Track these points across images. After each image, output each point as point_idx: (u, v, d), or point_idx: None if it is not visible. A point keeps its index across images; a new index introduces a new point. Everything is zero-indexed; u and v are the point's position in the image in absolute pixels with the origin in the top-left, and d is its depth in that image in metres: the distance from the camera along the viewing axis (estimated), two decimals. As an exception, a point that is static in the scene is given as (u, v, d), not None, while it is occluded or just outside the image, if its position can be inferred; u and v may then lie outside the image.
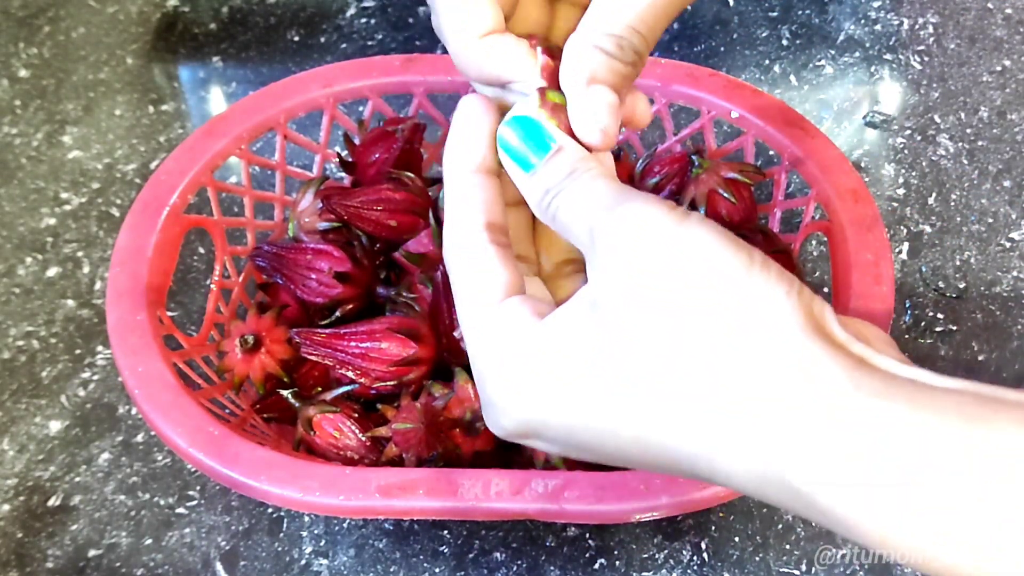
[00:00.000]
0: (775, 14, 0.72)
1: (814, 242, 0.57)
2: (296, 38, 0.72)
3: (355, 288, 0.47)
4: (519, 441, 0.28)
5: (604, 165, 0.30)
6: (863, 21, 0.71)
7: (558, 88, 0.29)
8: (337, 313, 0.47)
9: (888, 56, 0.68)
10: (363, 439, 0.43)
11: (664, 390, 0.24)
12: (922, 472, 0.21)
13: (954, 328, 0.54)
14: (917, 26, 0.70)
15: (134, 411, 0.52)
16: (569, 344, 0.26)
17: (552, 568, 0.46)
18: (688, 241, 0.25)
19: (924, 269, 0.56)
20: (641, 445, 0.25)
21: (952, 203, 0.59)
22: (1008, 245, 0.57)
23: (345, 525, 0.48)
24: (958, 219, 0.58)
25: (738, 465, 0.23)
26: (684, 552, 0.46)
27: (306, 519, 0.48)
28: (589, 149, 0.29)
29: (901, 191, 0.60)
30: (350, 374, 0.43)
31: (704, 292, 0.24)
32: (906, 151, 0.62)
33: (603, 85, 0.28)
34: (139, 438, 0.52)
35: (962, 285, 0.56)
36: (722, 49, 0.70)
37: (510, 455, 0.44)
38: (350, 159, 0.51)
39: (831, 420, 0.22)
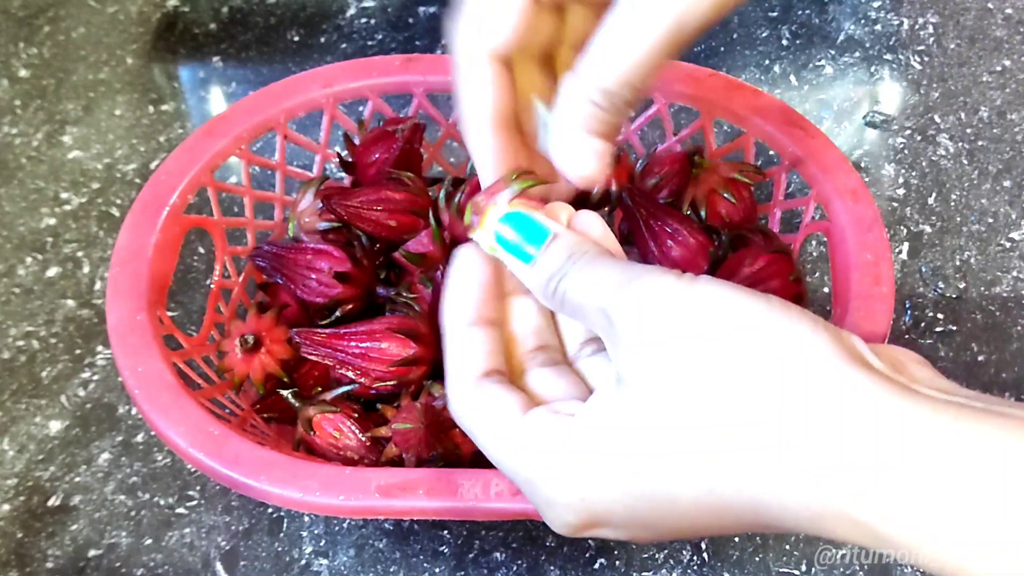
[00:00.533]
0: (775, 14, 0.72)
1: (814, 242, 0.58)
2: (296, 38, 0.72)
3: (355, 288, 0.47)
4: (587, 534, 0.28)
5: (607, 242, 0.31)
6: (863, 21, 0.71)
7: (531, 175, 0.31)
8: (337, 313, 0.47)
9: (888, 56, 0.68)
10: (363, 439, 0.43)
11: (714, 446, 0.24)
12: (993, 499, 0.21)
13: (954, 328, 0.54)
14: (917, 26, 0.70)
15: (134, 411, 0.52)
16: (610, 428, 0.26)
17: (552, 568, 0.46)
18: (703, 301, 0.25)
19: (924, 269, 0.56)
20: (702, 507, 0.25)
21: (952, 203, 0.59)
22: (1008, 245, 0.57)
23: (345, 525, 0.48)
24: (958, 219, 0.58)
25: (799, 503, 0.23)
26: (684, 552, 0.46)
27: (306, 519, 0.48)
28: (581, 201, 0.30)
29: (901, 191, 0.60)
30: (350, 374, 0.43)
31: (732, 344, 0.24)
32: (906, 151, 0.62)
33: (592, 135, 0.30)
34: (139, 438, 0.52)
35: (962, 285, 0.56)
36: (722, 49, 0.70)
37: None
38: (350, 159, 0.51)
39: (887, 450, 0.22)
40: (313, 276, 0.47)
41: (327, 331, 0.44)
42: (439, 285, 0.44)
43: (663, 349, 0.25)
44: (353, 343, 0.43)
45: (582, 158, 0.30)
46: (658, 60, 0.28)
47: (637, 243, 0.47)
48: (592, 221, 0.31)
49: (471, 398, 0.29)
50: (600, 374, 0.31)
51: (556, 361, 0.32)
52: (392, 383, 0.43)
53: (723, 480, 0.24)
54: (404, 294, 0.46)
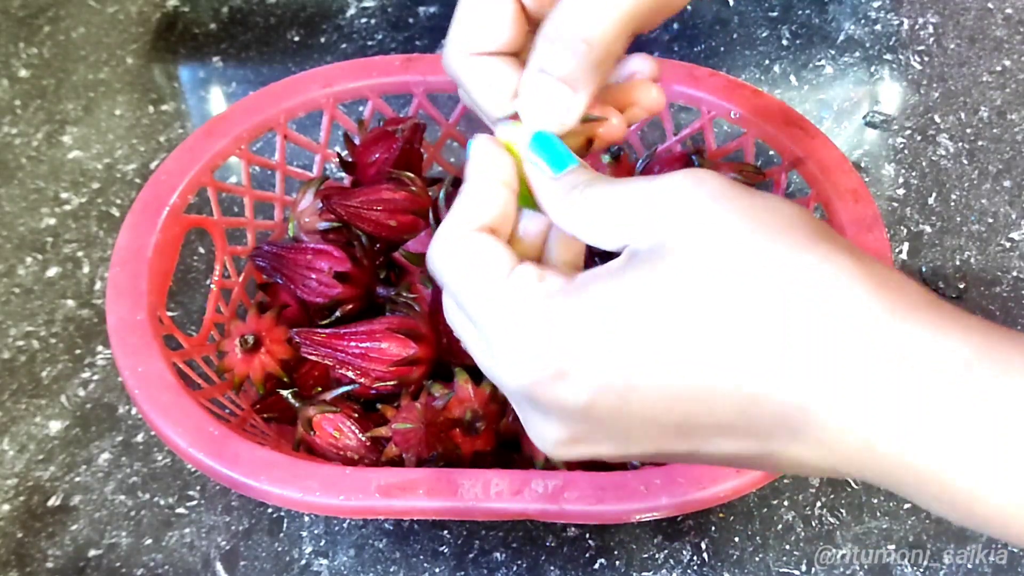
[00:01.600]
0: (775, 14, 0.72)
1: (814, 242, 0.57)
2: (296, 38, 0.72)
3: (355, 288, 0.47)
4: (552, 423, 0.26)
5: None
6: (863, 21, 0.71)
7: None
8: (337, 313, 0.47)
9: (888, 56, 0.68)
10: (363, 439, 0.43)
11: (720, 339, 0.23)
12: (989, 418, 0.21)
13: (954, 328, 0.54)
14: (917, 26, 0.70)
15: (134, 411, 0.52)
16: (608, 298, 0.24)
17: (552, 568, 0.46)
18: (726, 208, 0.25)
19: (924, 269, 0.56)
20: (696, 399, 0.24)
21: (952, 203, 0.59)
22: (1008, 245, 0.57)
23: (345, 525, 0.48)
24: (958, 219, 0.58)
25: (833, 420, 0.23)
26: (684, 552, 0.46)
27: (306, 519, 0.48)
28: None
29: (901, 191, 0.60)
30: (350, 374, 0.43)
31: (749, 248, 0.24)
32: (906, 151, 0.62)
33: (562, 82, 0.28)
34: (139, 438, 0.52)
35: (962, 285, 0.56)
36: (722, 49, 0.70)
37: (510, 455, 0.44)
38: (350, 159, 0.51)
39: (879, 363, 0.22)
40: (313, 276, 0.47)
41: (327, 331, 0.44)
42: (440, 288, 0.44)
43: (679, 238, 0.24)
44: (353, 343, 0.43)
45: (550, 100, 0.29)
46: (628, 26, 0.28)
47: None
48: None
49: (458, 244, 0.27)
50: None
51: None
52: (392, 383, 0.43)
53: (723, 372, 0.23)
54: (404, 294, 0.46)
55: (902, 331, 0.22)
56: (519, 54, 0.31)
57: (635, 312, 0.24)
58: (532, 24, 0.31)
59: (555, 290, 0.25)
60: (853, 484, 0.48)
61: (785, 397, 0.23)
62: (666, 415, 0.24)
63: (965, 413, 0.21)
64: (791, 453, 0.24)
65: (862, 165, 0.62)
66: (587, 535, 0.47)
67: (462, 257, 0.27)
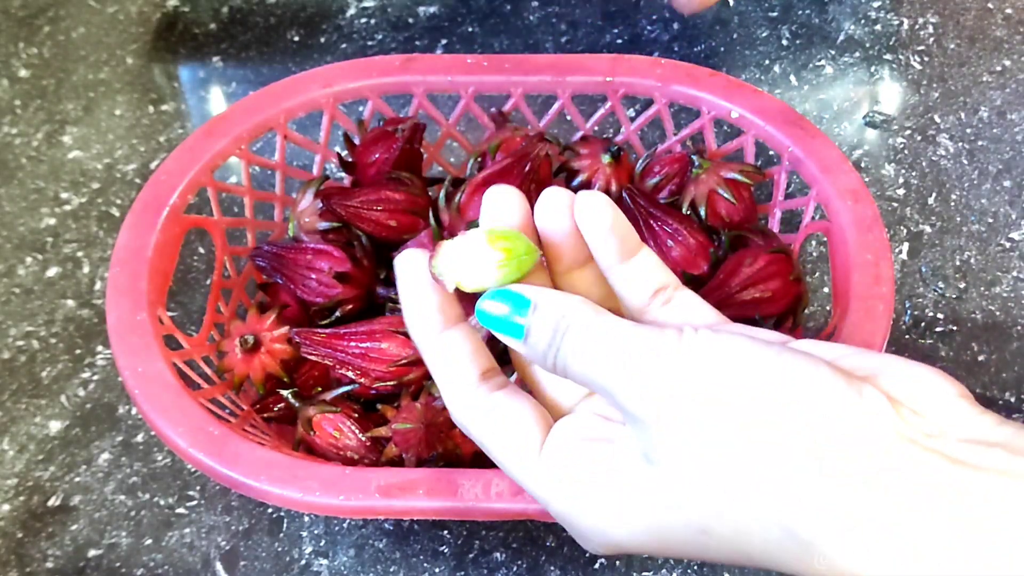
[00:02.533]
0: (775, 14, 0.72)
1: (814, 242, 0.58)
2: (296, 38, 0.72)
3: (355, 288, 0.47)
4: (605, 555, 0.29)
5: (610, 223, 0.29)
6: (863, 21, 0.71)
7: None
8: (337, 313, 0.47)
9: (888, 56, 0.68)
10: (363, 439, 0.43)
11: (748, 492, 0.24)
12: None
13: (954, 328, 0.54)
14: (917, 26, 0.70)
15: (134, 411, 0.52)
16: (642, 479, 0.26)
17: (552, 568, 0.46)
18: (716, 358, 0.25)
19: (924, 269, 0.56)
20: (729, 543, 0.25)
21: (952, 203, 0.59)
22: (1008, 245, 0.57)
23: (345, 525, 0.48)
24: (958, 219, 0.58)
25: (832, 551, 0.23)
26: (684, 552, 0.46)
27: (306, 519, 0.48)
28: None
29: (901, 191, 0.60)
30: (350, 374, 0.43)
31: (757, 402, 0.24)
32: (906, 151, 0.62)
33: None
34: (139, 438, 0.52)
35: (962, 285, 0.56)
36: (722, 49, 0.70)
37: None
38: (350, 159, 0.51)
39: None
40: (313, 276, 0.47)
41: (327, 331, 0.44)
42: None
43: (681, 420, 0.25)
44: (353, 343, 0.43)
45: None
46: None
47: (637, 243, 0.47)
48: (597, 205, 0.29)
49: (481, 410, 0.28)
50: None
51: None
52: (392, 383, 0.43)
53: (754, 515, 0.24)
54: None
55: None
56: None
57: (672, 494, 0.25)
58: None
59: (592, 468, 0.27)
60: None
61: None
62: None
63: None
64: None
65: (862, 165, 0.62)
66: (587, 535, 0.47)
67: (493, 431, 0.29)
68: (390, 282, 0.49)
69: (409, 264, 0.29)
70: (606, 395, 0.27)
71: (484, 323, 0.28)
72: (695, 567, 0.46)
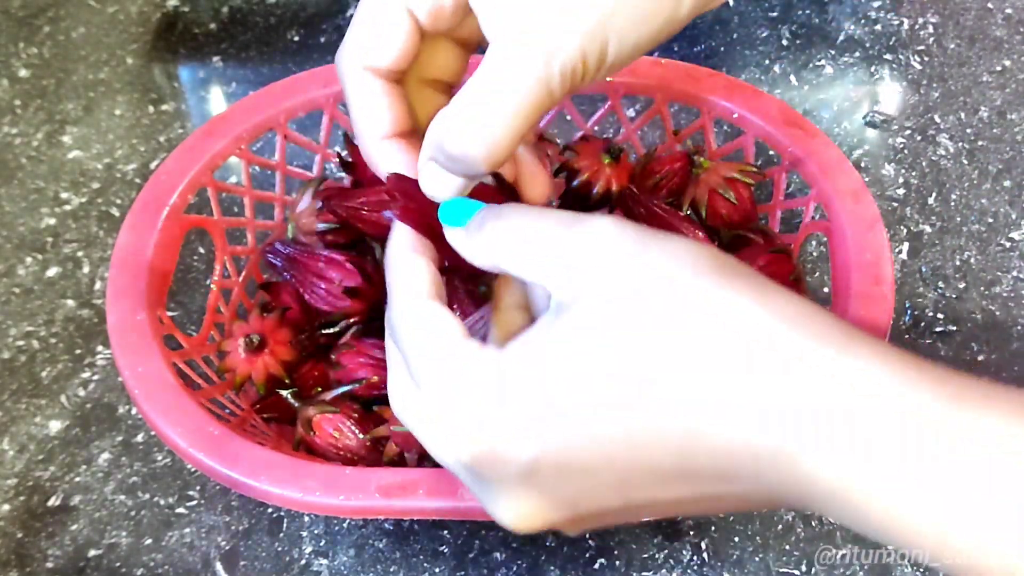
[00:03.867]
0: (775, 14, 0.72)
1: (814, 242, 0.58)
2: (296, 38, 0.72)
3: (363, 303, 0.47)
4: (486, 466, 0.26)
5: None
6: (863, 21, 0.71)
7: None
8: (340, 325, 0.47)
9: (888, 56, 0.68)
10: (363, 439, 0.43)
11: (653, 389, 0.23)
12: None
13: (954, 328, 0.54)
14: (917, 26, 0.70)
15: (134, 411, 0.53)
16: (551, 357, 0.25)
17: (552, 568, 0.46)
18: (641, 250, 0.25)
19: (924, 269, 0.56)
20: (636, 449, 0.24)
21: (952, 203, 0.59)
22: (1008, 245, 0.57)
23: (345, 525, 0.48)
24: (958, 219, 0.58)
25: (742, 443, 0.23)
26: (684, 552, 0.46)
27: (306, 519, 0.48)
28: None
29: (901, 191, 0.60)
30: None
31: (666, 291, 0.24)
32: (906, 151, 0.62)
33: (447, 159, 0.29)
34: (139, 438, 0.52)
35: (962, 285, 0.56)
36: (722, 49, 0.70)
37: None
38: (350, 159, 0.51)
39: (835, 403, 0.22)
40: (323, 285, 0.47)
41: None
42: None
43: (595, 285, 0.25)
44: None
45: (442, 186, 0.30)
46: (509, 146, 0.28)
47: (637, 243, 0.47)
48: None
49: (421, 314, 0.28)
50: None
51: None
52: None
53: (659, 419, 0.23)
54: None
55: (848, 365, 0.22)
56: (406, 71, 0.32)
57: (566, 372, 0.24)
58: (426, 40, 0.32)
59: (489, 360, 0.26)
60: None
61: (723, 436, 0.23)
62: (607, 472, 0.25)
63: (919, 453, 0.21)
64: (736, 492, 0.24)
65: (862, 165, 0.62)
66: (587, 535, 0.47)
67: (421, 328, 0.28)
68: None
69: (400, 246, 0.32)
70: (531, 266, 0.27)
71: (444, 216, 0.31)
72: (695, 567, 0.46)
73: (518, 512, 0.27)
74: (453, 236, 0.30)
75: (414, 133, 0.33)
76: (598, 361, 0.24)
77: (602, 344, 0.24)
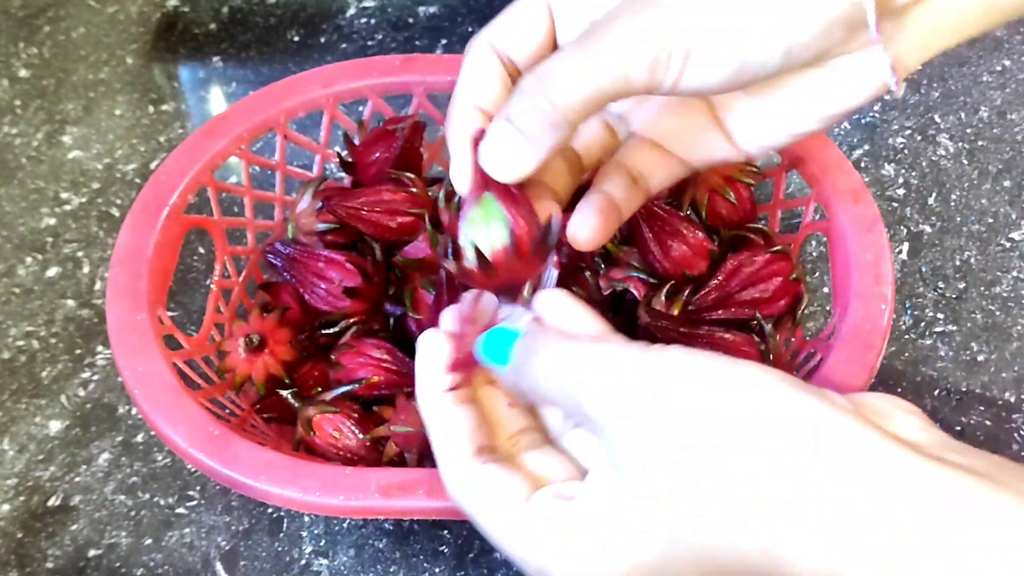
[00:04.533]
0: (775, 14, 0.72)
1: (814, 242, 0.58)
2: (296, 38, 0.72)
3: (363, 303, 0.47)
4: None
5: (575, 315, 0.31)
6: (863, 21, 0.71)
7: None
8: (340, 325, 0.47)
9: (888, 56, 0.68)
10: (363, 439, 0.43)
11: (722, 508, 0.24)
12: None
13: (954, 328, 0.54)
14: (917, 26, 0.70)
15: (134, 411, 0.52)
16: (611, 509, 0.26)
17: (552, 568, 0.46)
18: (678, 370, 0.26)
19: (924, 269, 0.56)
20: (709, 566, 0.25)
21: (952, 203, 0.59)
22: (1008, 245, 0.57)
23: (345, 525, 0.48)
24: (958, 219, 0.58)
25: (814, 561, 0.23)
26: (684, 552, 0.46)
27: (306, 519, 0.48)
28: None
29: (901, 191, 0.60)
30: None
31: (723, 411, 0.24)
32: (906, 151, 0.62)
33: (514, 129, 0.30)
34: (139, 438, 0.52)
35: (962, 285, 0.56)
36: (722, 49, 0.70)
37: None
38: (350, 159, 0.51)
39: (918, 514, 0.22)
40: (323, 285, 0.47)
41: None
42: (442, 286, 0.44)
43: (645, 428, 0.25)
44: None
45: (507, 149, 0.30)
46: (591, 106, 0.29)
47: (637, 243, 0.47)
48: (555, 300, 0.32)
49: (472, 482, 0.29)
50: (587, 449, 0.31)
51: (542, 442, 0.32)
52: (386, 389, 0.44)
53: (732, 538, 0.24)
54: (410, 313, 0.46)
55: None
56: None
57: (641, 517, 0.25)
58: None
59: (568, 517, 0.27)
60: None
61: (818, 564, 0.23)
62: None
63: None
64: None
65: (862, 165, 0.62)
66: (587, 535, 0.47)
67: (479, 496, 0.29)
68: (398, 299, 0.49)
69: (430, 344, 0.32)
70: (571, 406, 0.27)
71: (483, 353, 0.31)
72: (695, 567, 0.46)
73: None
74: (500, 375, 0.31)
75: None
76: (668, 505, 0.25)
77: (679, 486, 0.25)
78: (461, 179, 0.32)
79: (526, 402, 0.32)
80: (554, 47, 0.33)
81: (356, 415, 0.44)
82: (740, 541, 0.24)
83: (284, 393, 0.46)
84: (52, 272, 0.59)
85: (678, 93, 0.30)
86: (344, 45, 0.71)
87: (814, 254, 0.57)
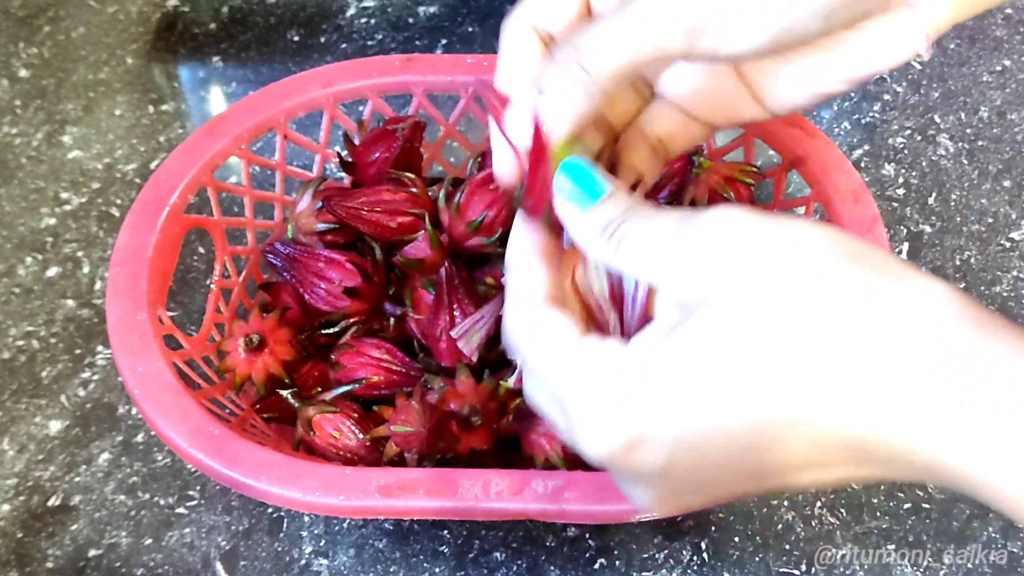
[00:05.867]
0: (775, 14, 0.72)
1: (814, 242, 0.57)
2: (296, 38, 0.72)
3: (363, 303, 0.47)
4: (620, 461, 0.26)
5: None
6: (863, 21, 0.71)
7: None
8: (340, 325, 0.47)
9: (888, 56, 0.68)
10: (363, 439, 0.43)
11: (777, 375, 0.23)
12: None
13: (954, 328, 0.54)
14: (917, 26, 0.70)
15: (134, 411, 0.53)
16: (667, 356, 0.25)
17: (552, 568, 0.46)
18: (771, 234, 0.25)
19: (924, 269, 0.56)
20: (793, 438, 0.24)
21: (952, 203, 0.59)
22: (1008, 245, 0.57)
23: (345, 525, 0.48)
24: (958, 219, 0.58)
25: (924, 450, 0.22)
26: (684, 552, 0.46)
27: (306, 519, 0.48)
28: None
29: (901, 191, 0.60)
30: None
31: (798, 279, 0.24)
32: (906, 151, 0.62)
33: (563, 94, 0.30)
34: (139, 438, 0.52)
35: (962, 285, 0.56)
36: (722, 49, 0.70)
37: (509, 455, 0.44)
38: (350, 159, 0.51)
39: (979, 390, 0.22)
40: (322, 285, 0.47)
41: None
42: (442, 286, 0.44)
43: (722, 279, 0.25)
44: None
45: (571, 80, 0.30)
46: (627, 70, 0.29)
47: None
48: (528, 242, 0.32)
49: (532, 318, 0.29)
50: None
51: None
52: (386, 389, 0.44)
53: (792, 412, 0.23)
54: (410, 313, 0.46)
55: (996, 355, 0.22)
56: None
57: (697, 369, 0.24)
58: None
59: (617, 358, 0.26)
60: (853, 484, 0.48)
61: (862, 430, 0.23)
62: (740, 463, 0.25)
63: None
64: (860, 474, 0.25)
65: (862, 165, 0.62)
66: (587, 535, 0.47)
67: (536, 333, 0.29)
68: (398, 299, 0.49)
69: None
70: (651, 265, 0.27)
71: (559, 192, 0.30)
72: (695, 567, 0.46)
73: (655, 500, 0.27)
74: (577, 230, 0.30)
75: None
76: (736, 358, 0.24)
77: (742, 342, 0.24)
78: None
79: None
80: (590, 17, 0.33)
81: (356, 415, 0.44)
82: (792, 414, 0.23)
83: (284, 393, 0.46)
84: (52, 272, 0.59)
85: (716, 60, 0.30)
86: (344, 45, 0.71)
87: (814, 254, 0.57)
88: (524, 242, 0.31)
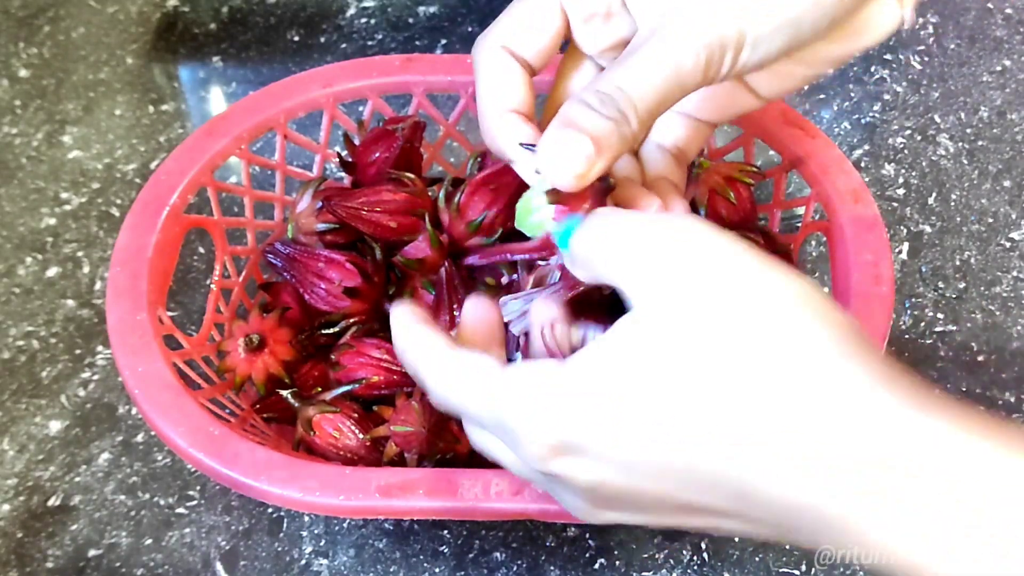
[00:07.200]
0: (775, 14, 0.72)
1: (814, 242, 0.58)
2: (296, 38, 0.72)
3: (363, 303, 0.47)
4: (552, 465, 0.26)
5: (492, 328, 0.32)
6: (863, 21, 0.71)
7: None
8: (340, 325, 0.47)
9: (888, 56, 0.68)
10: (363, 439, 0.43)
11: (707, 425, 0.23)
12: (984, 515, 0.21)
13: (954, 328, 0.54)
14: (917, 26, 0.70)
15: (134, 411, 0.53)
16: (619, 372, 0.25)
17: (552, 568, 0.46)
18: (708, 252, 0.26)
19: (924, 269, 0.56)
20: (681, 479, 0.24)
21: (952, 203, 0.59)
22: (1008, 245, 0.57)
23: (345, 525, 0.48)
24: (958, 219, 0.58)
25: (780, 490, 0.23)
26: (684, 552, 0.46)
27: (306, 519, 0.48)
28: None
29: (901, 191, 0.60)
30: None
31: (739, 320, 0.24)
32: (906, 151, 0.62)
33: (578, 131, 0.29)
34: (139, 438, 0.52)
35: (962, 285, 0.56)
36: (722, 49, 0.70)
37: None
38: (350, 159, 0.51)
39: (876, 451, 0.22)
40: (322, 285, 0.47)
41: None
42: (442, 286, 0.44)
43: (668, 299, 0.25)
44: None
45: (564, 151, 0.29)
46: (663, 82, 0.29)
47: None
48: (475, 306, 0.32)
49: (445, 368, 0.29)
50: None
51: None
52: (386, 389, 0.43)
53: (709, 457, 0.24)
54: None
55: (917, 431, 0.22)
56: (539, 71, 0.33)
57: (633, 390, 0.24)
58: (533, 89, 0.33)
59: (549, 374, 0.26)
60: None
61: (795, 499, 0.23)
62: (671, 496, 0.25)
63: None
64: (800, 539, 0.25)
65: (862, 165, 0.62)
66: (587, 535, 0.47)
67: (453, 377, 0.28)
68: (398, 299, 0.49)
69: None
70: (612, 271, 0.27)
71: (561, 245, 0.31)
72: (695, 567, 0.46)
73: (589, 509, 0.28)
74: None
75: (535, 119, 0.34)
76: (675, 385, 0.24)
77: (680, 367, 0.24)
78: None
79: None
80: (565, 42, 0.33)
81: (356, 415, 0.44)
82: (715, 467, 0.23)
83: (284, 393, 0.46)
84: (52, 272, 0.59)
85: (737, 76, 0.30)
86: (344, 45, 0.71)
87: (814, 254, 0.57)
88: (406, 318, 0.31)
